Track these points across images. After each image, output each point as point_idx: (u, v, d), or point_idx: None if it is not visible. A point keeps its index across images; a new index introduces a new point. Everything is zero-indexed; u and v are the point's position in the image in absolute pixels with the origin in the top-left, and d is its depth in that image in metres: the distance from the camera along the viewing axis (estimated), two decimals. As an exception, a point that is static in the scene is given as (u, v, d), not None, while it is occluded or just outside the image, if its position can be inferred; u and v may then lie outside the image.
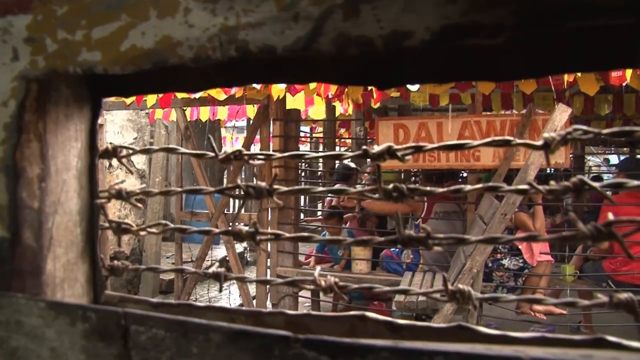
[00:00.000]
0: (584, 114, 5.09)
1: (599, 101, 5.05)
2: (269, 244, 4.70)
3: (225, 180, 8.24)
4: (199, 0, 0.54)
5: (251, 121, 7.42)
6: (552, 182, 0.62)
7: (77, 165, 0.71)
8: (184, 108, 4.65)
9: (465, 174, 6.45)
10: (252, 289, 4.90)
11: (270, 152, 0.70)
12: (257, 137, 4.97)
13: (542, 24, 0.44)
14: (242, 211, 7.21)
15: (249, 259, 6.82)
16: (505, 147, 4.41)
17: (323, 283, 0.67)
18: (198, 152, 0.72)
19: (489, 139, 0.62)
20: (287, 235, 0.67)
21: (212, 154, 0.71)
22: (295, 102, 4.95)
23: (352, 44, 0.49)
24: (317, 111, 6.32)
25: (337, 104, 6.44)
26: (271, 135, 4.56)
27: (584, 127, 0.57)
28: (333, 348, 0.48)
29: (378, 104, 6.09)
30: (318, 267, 0.69)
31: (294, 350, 0.48)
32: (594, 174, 7.52)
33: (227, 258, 6.52)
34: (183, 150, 0.73)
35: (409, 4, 0.47)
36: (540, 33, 0.45)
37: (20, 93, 0.63)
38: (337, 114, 6.68)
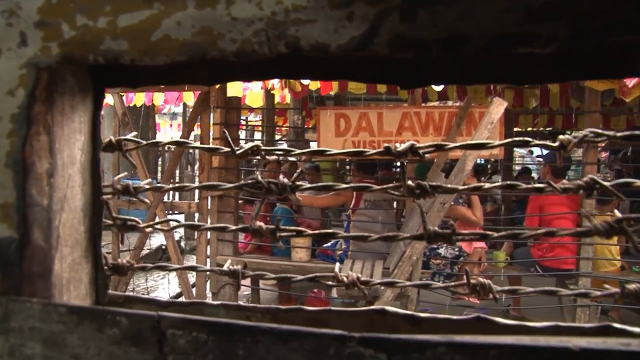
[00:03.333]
0: (513, 106, 5.38)
1: (528, 95, 5.36)
2: (208, 233, 4.62)
3: (159, 167, 7.98)
4: (243, -8, 0.52)
5: (187, 108, 7.21)
6: (565, 181, 0.66)
7: (81, 158, 0.67)
8: (121, 93, 4.44)
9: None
10: (192, 277, 4.81)
11: (290, 148, 0.69)
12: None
13: (590, 36, 0.47)
14: (177, 199, 7.03)
15: (185, 247, 6.68)
16: (443, 138, 4.59)
17: (345, 279, 0.67)
18: (211, 146, 0.70)
19: (509, 140, 0.65)
20: (309, 231, 0.67)
21: (227, 149, 0.69)
22: (234, 89, 4.86)
23: (408, 46, 0.50)
24: (255, 98, 6.25)
25: (275, 92, 6.40)
26: (212, 123, 4.46)
27: (598, 130, 0.62)
28: (390, 345, 0.48)
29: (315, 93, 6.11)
30: (337, 264, 0.69)
31: (350, 349, 0.49)
32: (521, 165, 8.01)
33: (164, 247, 6.35)
34: (195, 144, 0.71)
35: (468, 10, 0.48)
36: (586, 44, 0.48)
37: (29, 82, 0.58)
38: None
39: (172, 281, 5.16)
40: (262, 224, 0.67)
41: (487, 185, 0.66)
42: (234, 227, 0.69)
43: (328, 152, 0.68)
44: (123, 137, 0.70)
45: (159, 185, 0.69)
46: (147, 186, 0.69)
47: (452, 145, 0.66)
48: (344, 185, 0.66)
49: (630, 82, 3.60)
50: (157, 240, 6.39)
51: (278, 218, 5.01)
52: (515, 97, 5.44)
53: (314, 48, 0.51)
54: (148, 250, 5.26)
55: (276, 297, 5.16)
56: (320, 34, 0.51)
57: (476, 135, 4.10)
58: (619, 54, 0.51)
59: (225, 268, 0.70)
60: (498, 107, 3.88)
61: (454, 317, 0.65)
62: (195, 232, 5.60)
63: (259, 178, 0.66)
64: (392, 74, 0.65)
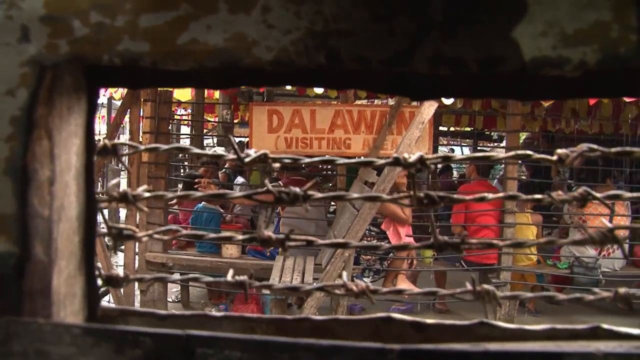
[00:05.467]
0: (439, 107, 5.60)
1: (452, 98, 5.60)
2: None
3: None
4: None
5: (112, 99, 6.86)
6: (560, 192, 0.70)
7: (76, 164, 0.62)
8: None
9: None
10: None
11: (298, 157, 0.68)
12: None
13: (615, 62, 0.51)
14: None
15: (108, 244, 6.33)
16: (374, 136, 4.71)
17: (355, 288, 0.68)
18: (216, 153, 0.67)
19: (512, 153, 0.68)
20: (320, 241, 0.67)
21: (233, 156, 0.67)
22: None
23: (447, 64, 0.51)
24: (184, 92, 6.08)
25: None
26: (141, 116, 4.28)
27: (594, 146, 0.66)
28: (428, 357, 0.50)
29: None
30: (344, 273, 0.69)
31: (391, 362, 0.49)
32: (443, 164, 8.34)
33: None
34: (196, 150, 0.68)
35: (505, 32, 0.50)
36: (609, 69, 0.51)
37: (32, 81, 0.53)
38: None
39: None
40: (271, 233, 0.65)
41: (491, 195, 0.69)
42: (240, 237, 0.67)
43: (337, 162, 0.68)
44: (119, 142, 0.66)
45: (160, 193, 0.66)
46: (147, 194, 0.65)
47: (459, 157, 0.68)
48: (355, 195, 0.66)
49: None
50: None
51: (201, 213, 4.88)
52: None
53: (354, 60, 0.51)
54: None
55: (205, 294, 5.06)
56: (361, 47, 0.50)
57: (407, 135, 4.23)
58: (632, 78, 0.55)
59: (229, 278, 0.67)
60: (429, 108, 4.03)
61: (458, 322, 0.68)
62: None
63: (269, 187, 0.64)
64: (402, 85, 0.66)
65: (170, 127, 8.58)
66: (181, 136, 7.59)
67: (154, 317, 0.67)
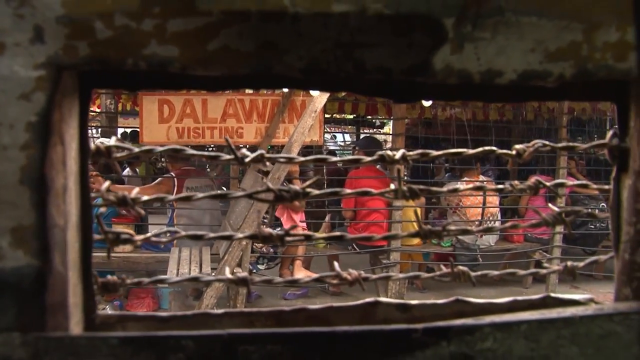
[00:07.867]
0: (330, 95, 5.76)
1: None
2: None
3: None
4: (309, 9, 0.53)
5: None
6: (516, 182, 0.80)
7: (74, 169, 0.59)
8: None
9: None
10: None
11: (292, 155, 0.71)
12: None
13: (584, 76, 0.61)
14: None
15: None
16: (266, 125, 4.74)
17: (349, 277, 0.73)
18: (211, 153, 0.68)
19: (481, 149, 0.77)
20: (318, 235, 0.70)
21: (230, 157, 0.68)
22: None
23: (454, 75, 0.57)
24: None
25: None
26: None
27: (545, 142, 0.77)
28: (447, 332, 0.56)
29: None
30: (336, 263, 0.74)
31: (417, 340, 0.55)
32: (329, 150, 8.66)
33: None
34: (192, 151, 0.67)
35: (502, 48, 0.58)
36: (580, 81, 0.62)
37: (49, 85, 0.50)
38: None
39: None
40: (270, 230, 0.68)
41: (463, 186, 0.77)
42: (241, 235, 0.68)
43: (330, 160, 0.72)
44: (112, 144, 0.64)
45: (160, 195, 0.65)
46: (145, 197, 0.64)
47: (436, 153, 0.75)
48: (348, 191, 0.71)
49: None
50: None
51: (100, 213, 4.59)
52: (329, 88, 5.83)
53: (378, 70, 0.55)
54: None
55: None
56: (384, 58, 0.55)
57: (301, 123, 4.31)
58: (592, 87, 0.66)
59: (230, 276, 0.68)
60: (321, 96, 4.15)
61: (438, 301, 0.76)
62: None
63: (270, 185, 0.67)
64: (386, 88, 0.72)
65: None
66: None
67: (155, 320, 0.67)
